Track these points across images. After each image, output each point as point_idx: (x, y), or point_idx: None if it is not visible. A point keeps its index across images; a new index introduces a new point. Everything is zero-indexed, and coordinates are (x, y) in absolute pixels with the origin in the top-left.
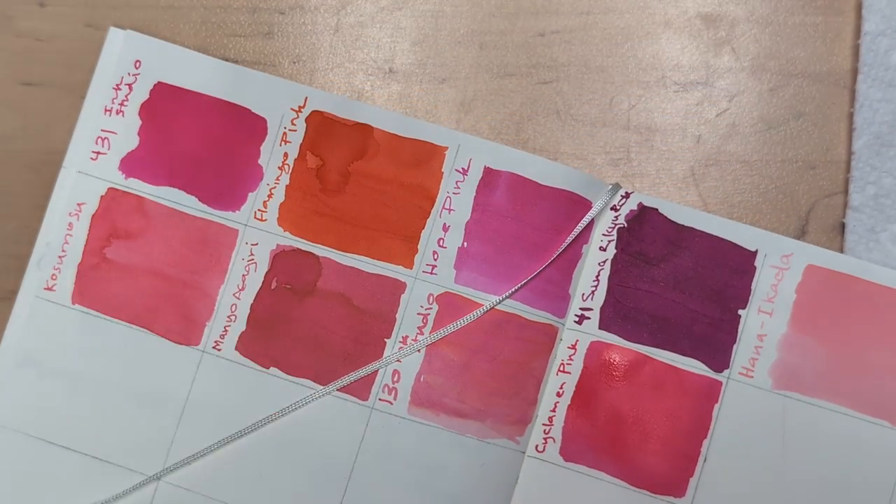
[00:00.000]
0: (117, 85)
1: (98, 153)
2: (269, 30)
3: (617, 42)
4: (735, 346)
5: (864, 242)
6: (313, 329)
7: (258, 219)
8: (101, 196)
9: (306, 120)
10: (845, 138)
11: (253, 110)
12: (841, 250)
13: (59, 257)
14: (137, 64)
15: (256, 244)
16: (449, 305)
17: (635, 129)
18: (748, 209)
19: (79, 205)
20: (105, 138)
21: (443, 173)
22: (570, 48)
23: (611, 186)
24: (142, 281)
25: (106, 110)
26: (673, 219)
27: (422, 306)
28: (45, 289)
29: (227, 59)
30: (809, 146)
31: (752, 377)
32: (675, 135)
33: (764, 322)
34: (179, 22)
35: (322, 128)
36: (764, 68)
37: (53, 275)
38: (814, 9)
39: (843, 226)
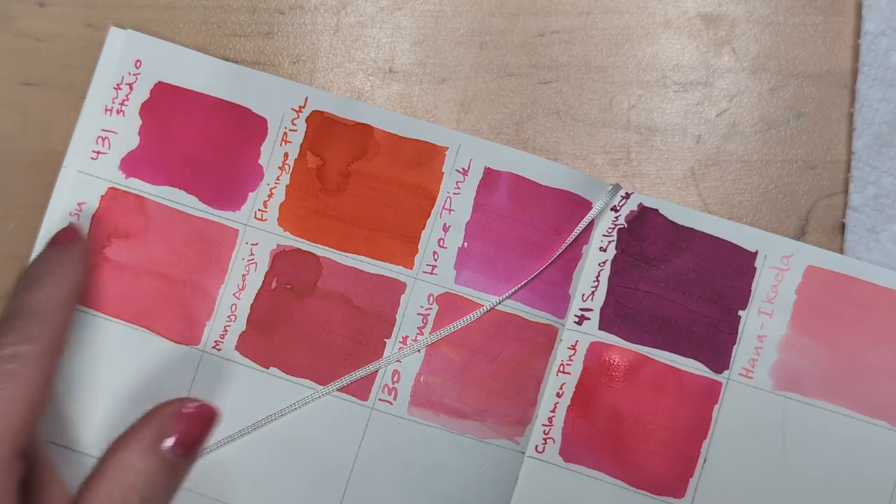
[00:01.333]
0: (118, 84)
1: (98, 153)
2: (269, 30)
3: (617, 42)
4: (735, 347)
5: (864, 242)
6: (313, 329)
7: (258, 218)
8: (102, 195)
9: (307, 120)
10: (845, 138)
11: (253, 110)
12: (841, 250)
13: None
14: (138, 63)
15: (257, 244)
16: (449, 306)
17: (635, 129)
18: (748, 209)
19: (79, 204)
20: (105, 138)
21: (443, 173)
22: (570, 48)
23: (611, 187)
24: (142, 280)
25: (106, 110)
26: (673, 219)
27: (422, 306)
28: None
29: (227, 59)
30: (809, 146)
31: (752, 378)
32: (675, 135)
33: (764, 323)
34: (179, 22)
35: (322, 128)
36: (764, 68)
37: None
38: (814, 9)
39: (843, 226)
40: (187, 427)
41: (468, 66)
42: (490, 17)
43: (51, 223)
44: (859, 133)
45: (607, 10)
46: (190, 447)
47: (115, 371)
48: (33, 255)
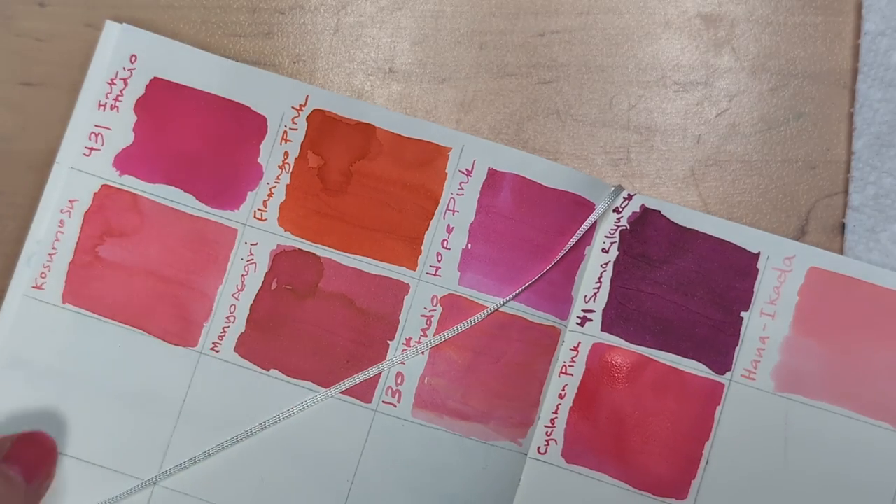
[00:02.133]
0: (112, 79)
1: (91, 149)
2: (269, 30)
3: (617, 42)
4: (737, 349)
5: (864, 242)
6: (315, 331)
7: (258, 218)
8: (95, 193)
9: (307, 118)
10: (845, 138)
11: (252, 108)
12: (841, 250)
13: (50, 255)
14: (133, 58)
15: (256, 244)
16: (453, 307)
17: (635, 129)
18: (748, 209)
19: (70, 201)
20: (98, 134)
21: (446, 174)
22: (570, 48)
23: (613, 188)
24: (136, 280)
25: (100, 105)
26: (675, 221)
27: (425, 308)
28: (34, 287)
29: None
30: (809, 146)
31: (754, 379)
32: (675, 135)
33: (766, 324)
34: (179, 22)
35: (324, 127)
36: (764, 68)
37: (43, 273)
38: (814, 9)
39: (843, 226)
40: (22, 447)
41: (468, 66)
42: (490, 17)
43: (42, 220)
44: (859, 133)
45: (607, 10)
46: (28, 468)
47: (108, 373)
48: (24, 253)
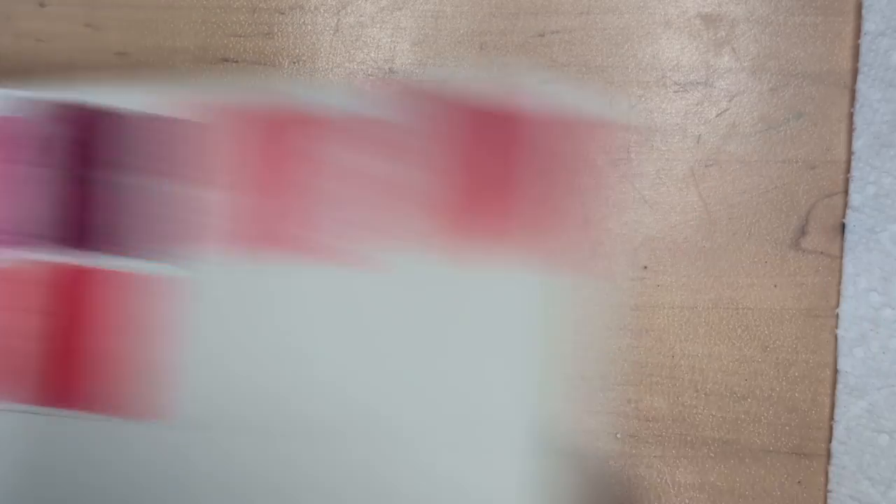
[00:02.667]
0: None
1: None
2: (269, 30)
3: (617, 42)
4: (192, 231)
5: (864, 242)
6: None
7: None
8: None
9: None
10: (845, 138)
11: None
12: (841, 250)
13: None
14: None
15: None
16: None
17: (635, 129)
18: (748, 209)
19: None
20: None
21: None
22: (570, 48)
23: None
24: None
25: None
26: (99, 107)
27: None
28: None
29: (227, 60)
30: (809, 146)
31: (215, 262)
32: (675, 135)
33: (210, 196)
34: (179, 22)
35: None
36: (764, 68)
37: None
38: (814, 9)
39: (843, 226)
40: None
41: (468, 66)
42: (490, 17)
43: None
44: (859, 133)
45: (607, 10)
46: None
47: None
48: None
